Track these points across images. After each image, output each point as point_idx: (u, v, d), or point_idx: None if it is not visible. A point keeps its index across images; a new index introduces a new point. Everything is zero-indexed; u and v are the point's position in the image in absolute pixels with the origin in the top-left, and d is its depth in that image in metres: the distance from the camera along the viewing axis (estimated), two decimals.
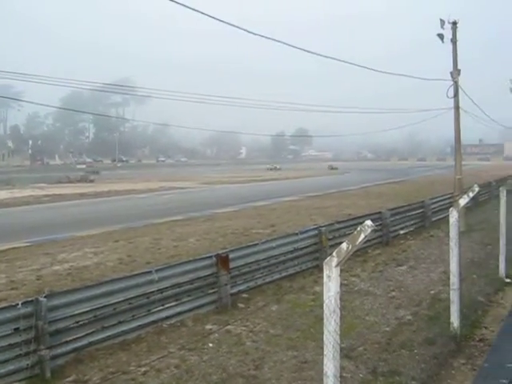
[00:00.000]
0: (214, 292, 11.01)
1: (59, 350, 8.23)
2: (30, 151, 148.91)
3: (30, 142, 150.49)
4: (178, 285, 10.35)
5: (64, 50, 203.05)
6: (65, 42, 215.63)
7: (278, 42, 15.94)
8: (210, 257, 11.23)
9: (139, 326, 9.52)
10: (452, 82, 21.74)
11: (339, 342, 4.92)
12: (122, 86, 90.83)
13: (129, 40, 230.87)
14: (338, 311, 4.87)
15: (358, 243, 4.78)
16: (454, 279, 8.94)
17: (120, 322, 9.22)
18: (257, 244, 12.92)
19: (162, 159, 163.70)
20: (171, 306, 10.18)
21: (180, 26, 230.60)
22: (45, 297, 8.18)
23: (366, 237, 4.79)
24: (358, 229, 4.79)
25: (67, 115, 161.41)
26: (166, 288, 10.12)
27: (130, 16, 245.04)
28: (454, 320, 8.93)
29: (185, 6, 11.07)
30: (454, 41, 21.59)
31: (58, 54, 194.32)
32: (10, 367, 7.61)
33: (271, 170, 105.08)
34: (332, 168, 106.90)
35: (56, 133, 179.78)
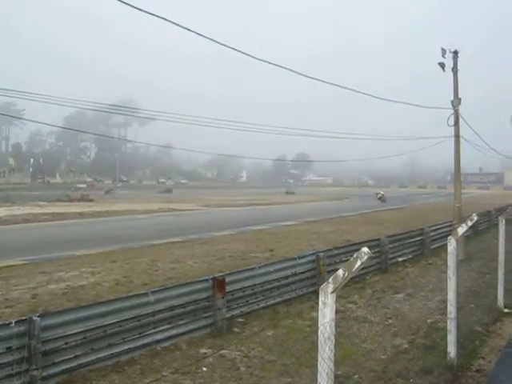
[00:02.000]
0: (209, 315, 10.94)
1: (51, 371, 8.15)
2: (31, 169, 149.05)
3: (32, 160, 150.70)
4: (174, 307, 10.29)
5: (66, 73, 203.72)
6: (67, 65, 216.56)
7: (284, 68, 16.01)
8: (207, 280, 11.17)
9: (132, 348, 9.44)
10: (453, 111, 21.85)
11: (333, 369, 4.87)
12: (125, 107, 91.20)
13: (133, 67, 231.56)
14: (332, 338, 4.82)
15: (354, 270, 4.75)
16: (451, 308, 8.87)
17: (113, 344, 9.14)
18: (254, 268, 12.88)
19: (163, 181, 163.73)
20: (166, 329, 10.12)
21: (188, 55, 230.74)
22: (39, 316, 8.11)
23: (362, 264, 4.76)
24: (355, 256, 4.77)
25: (69, 134, 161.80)
26: (162, 310, 10.07)
27: (138, 45, 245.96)
28: (451, 349, 8.85)
29: (207, 37, 11.17)
30: (454, 70, 21.73)
31: (61, 76, 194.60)
32: None
33: None
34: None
35: (58, 151, 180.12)
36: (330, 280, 4.80)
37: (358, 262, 4.75)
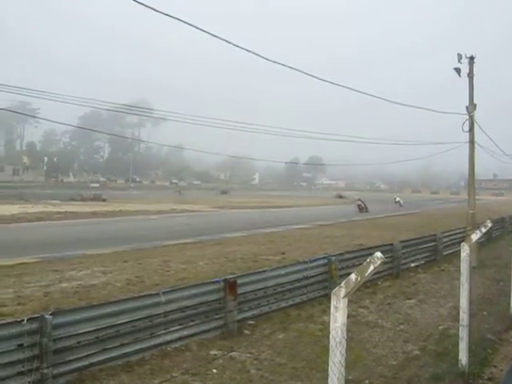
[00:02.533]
0: (220, 317, 10.95)
1: (62, 369, 8.18)
2: (45, 168, 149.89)
3: (46, 159, 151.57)
4: (185, 308, 10.31)
5: (76, 76, 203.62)
6: (76, 68, 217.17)
7: (299, 71, 15.99)
8: (218, 281, 11.17)
9: (143, 348, 9.46)
10: (468, 116, 21.74)
11: (344, 374, 4.84)
12: (138, 107, 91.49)
13: (145, 70, 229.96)
14: (344, 343, 4.80)
15: (366, 275, 4.73)
16: (463, 315, 8.80)
17: (124, 344, 9.16)
18: (266, 271, 12.87)
19: (175, 181, 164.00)
20: (176, 330, 10.13)
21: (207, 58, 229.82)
22: (51, 314, 8.15)
23: (375, 269, 4.74)
24: (368, 260, 4.75)
25: (83, 134, 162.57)
26: (173, 311, 10.09)
27: (150, 48, 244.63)
28: (463, 357, 8.78)
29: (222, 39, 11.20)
30: (470, 75, 21.63)
31: (70, 79, 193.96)
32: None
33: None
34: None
35: (72, 151, 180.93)
36: (343, 284, 4.78)
37: (371, 267, 4.73)
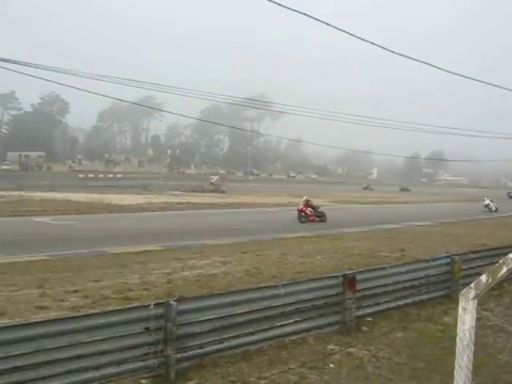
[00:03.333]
0: (337, 312, 10.88)
1: (185, 354, 8.48)
2: (168, 160, 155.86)
3: (169, 151, 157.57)
4: (303, 302, 10.33)
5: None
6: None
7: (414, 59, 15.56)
8: (337, 276, 11.10)
9: (262, 338, 9.60)
10: None
11: (471, 379, 4.67)
12: (258, 100, 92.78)
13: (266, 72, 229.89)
14: (471, 346, 4.63)
15: (499, 276, 4.53)
16: None
17: (243, 334, 9.34)
18: (385, 267, 12.67)
19: (293, 175, 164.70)
20: (294, 322, 10.18)
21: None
22: (175, 300, 8.47)
23: (508, 270, 4.52)
24: (501, 261, 4.53)
25: (204, 127, 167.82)
26: (291, 304, 10.15)
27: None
28: None
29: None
30: None
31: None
32: (139, 364, 7.98)
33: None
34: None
35: (193, 143, 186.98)
36: (472, 285, 4.60)
37: (504, 269, 4.52)
